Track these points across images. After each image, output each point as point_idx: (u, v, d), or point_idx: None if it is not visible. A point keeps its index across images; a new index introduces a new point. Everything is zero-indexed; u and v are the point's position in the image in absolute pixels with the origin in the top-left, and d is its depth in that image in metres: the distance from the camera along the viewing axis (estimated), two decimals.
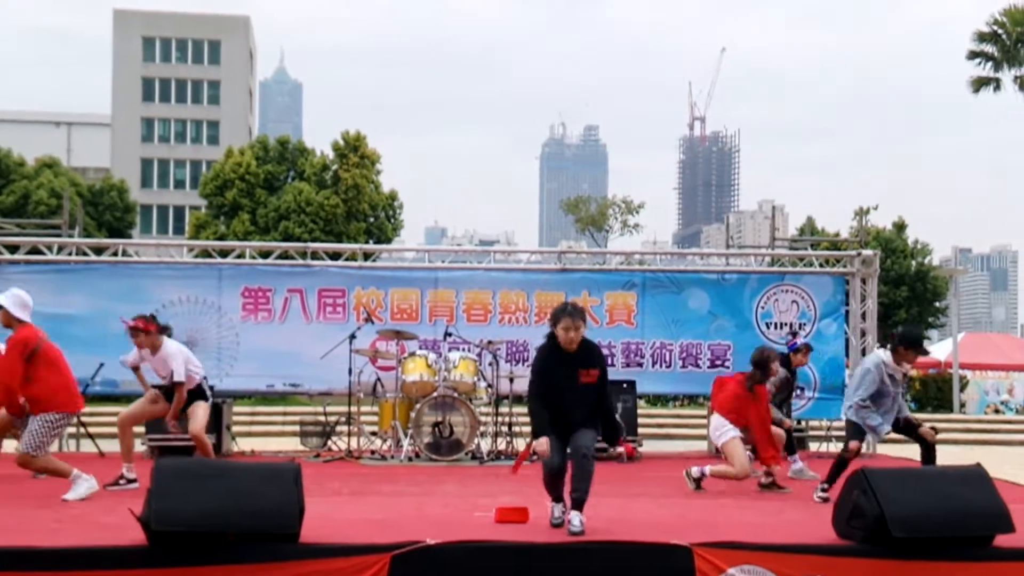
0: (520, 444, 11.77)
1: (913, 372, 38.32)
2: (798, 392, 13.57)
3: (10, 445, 13.54)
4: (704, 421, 14.32)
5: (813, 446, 14.87)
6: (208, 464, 6.85)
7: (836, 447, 14.16)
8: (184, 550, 5.64)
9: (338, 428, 13.96)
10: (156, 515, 5.64)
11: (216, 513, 5.69)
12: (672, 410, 25.97)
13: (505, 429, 13.05)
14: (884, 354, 9.01)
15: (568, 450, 6.94)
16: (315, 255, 14.69)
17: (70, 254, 14.27)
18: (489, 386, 12.92)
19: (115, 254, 14.56)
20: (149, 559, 5.68)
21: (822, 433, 15.16)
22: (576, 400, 6.97)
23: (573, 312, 7.05)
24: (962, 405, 34.42)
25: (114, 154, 73.36)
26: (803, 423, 14.95)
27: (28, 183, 41.03)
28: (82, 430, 13.91)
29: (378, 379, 13.46)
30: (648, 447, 14.41)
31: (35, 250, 14.23)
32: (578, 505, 6.78)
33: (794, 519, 7.72)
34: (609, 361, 14.25)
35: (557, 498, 7.11)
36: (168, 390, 9.59)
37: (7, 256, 14.06)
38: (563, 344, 7.04)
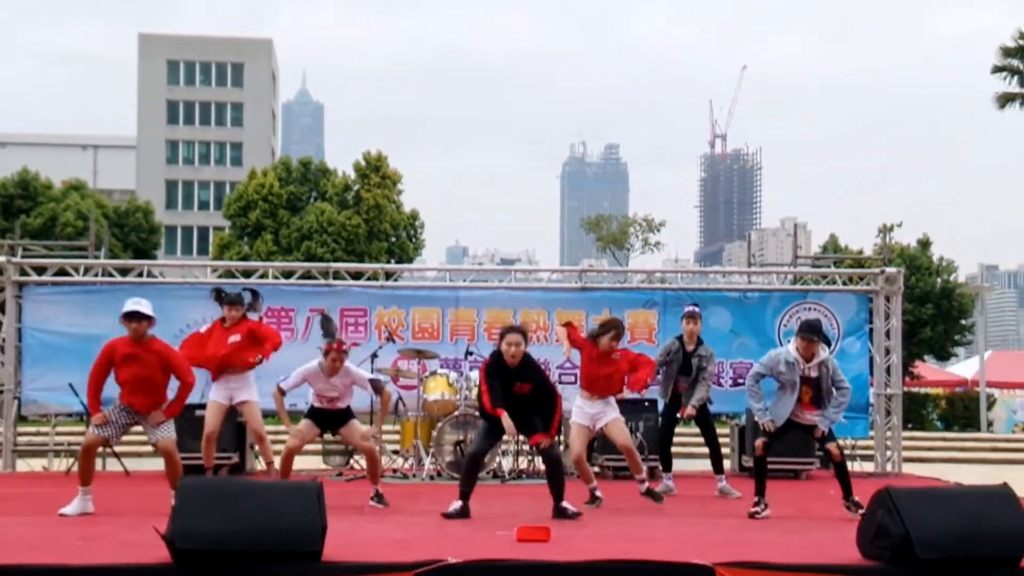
0: (539, 462, 11.78)
1: (940, 391, 38.11)
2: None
3: (26, 464, 13.66)
4: (726, 440, 14.26)
5: None
6: (232, 483, 6.89)
7: (860, 466, 14.08)
8: (208, 568, 5.67)
9: None
10: (180, 533, 5.68)
11: (240, 531, 5.72)
12: (694, 428, 25.76)
13: (526, 448, 13.04)
14: (791, 344, 9.14)
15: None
16: (337, 275, 14.75)
17: (96, 275, 14.40)
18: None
19: (140, 275, 14.68)
20: None
21: (847, 452, 15.04)
22: (513, 406, 8.65)
23: (517, 330, 8.86)
24: (989, 424, 34.15)
25: (139, 176, 73.96)
26: None
27: (55, 205, 41.40)
28: (107, 449, 13.98)
29: (400, 398, 13.48)
30: None
31: (62, 271, 14.36)
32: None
33: (818, 539, 7.67)
34: None
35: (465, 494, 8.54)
36: (327, 413, 9.69)
37: (35, 277, 14.20)
38: (506, 358, 8.63)
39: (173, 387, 8.86)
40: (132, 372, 8.61)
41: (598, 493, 9.72)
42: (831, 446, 9.12)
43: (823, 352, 9.16)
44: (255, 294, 11.04)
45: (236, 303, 10.70)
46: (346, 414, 9.75)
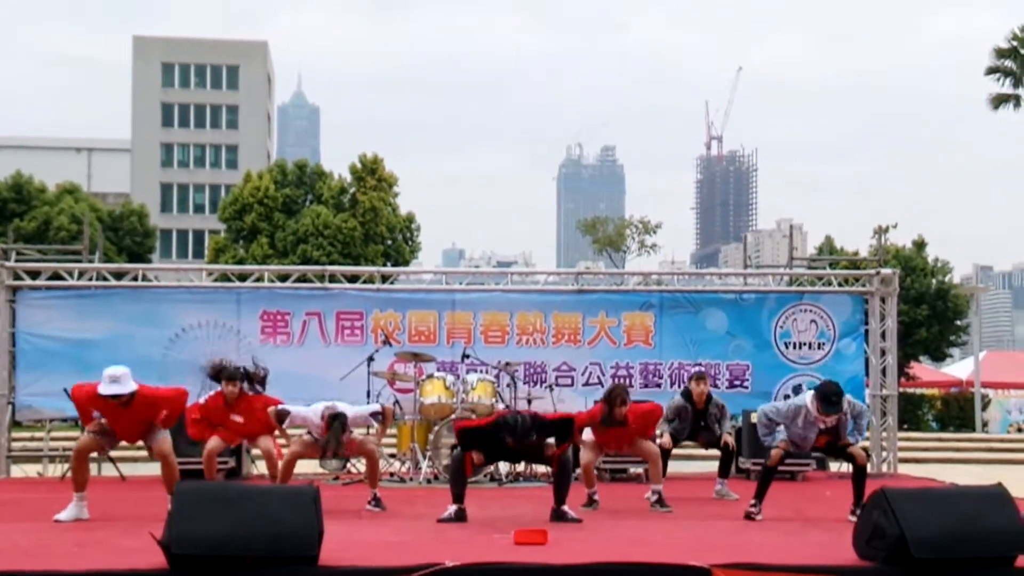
0: (539, 467, 11.79)
1: (935, 391, 38.16)
2: None
3: (21, 470, 13.63)
4: None
5: (833, 466, 14.78)
6: (228, 488, 6.88)
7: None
8: (204, 573, 5.66)
9: None
10: (176, 538, 5.67)
11: (236, 536, 5.72)
12: None
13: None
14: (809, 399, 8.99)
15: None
16: (333, 278, 14.75)
17: (91, 279, 14.37)
18: (508, 408, 12.92)
19: (135, 279, 14.66)
20: None
21: None
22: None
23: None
24: (984, 424, 34.19)
25: (134, 179, 73.82)
26: None
27: (49, 209, 41.31)
28: (102, 453, 13.96)
29: (396, 401, 13.47)
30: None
31: (56, 275, 14.34)
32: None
33: (815, 540, 7.68)
34: (627, 382, 14.26)
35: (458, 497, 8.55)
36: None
37: (29, 282, 14.18)
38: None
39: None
40: (118, 426, 8.72)
41: (596, 497, 9.79)
42: (855, 450, 9.04)
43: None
44: (249, 378, 10.24)
45: (234, 378, 10.05)
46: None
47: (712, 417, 11.21)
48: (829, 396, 8.71)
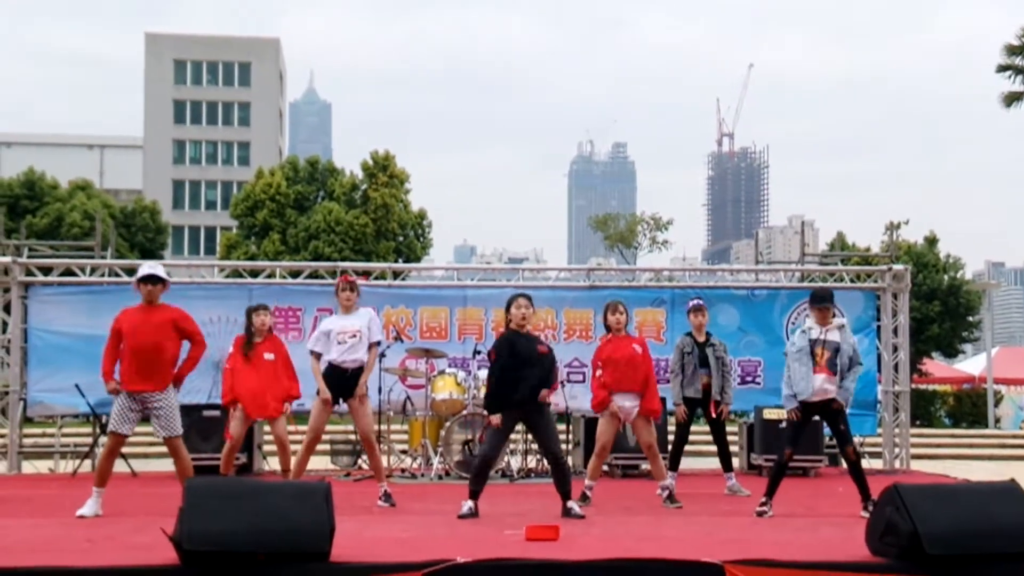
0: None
1: (947, 388, 38.02)
2: None
3: (32, 466, 13.69)
4: (735, 438, 14.25)
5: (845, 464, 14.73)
6: (239, 483, 6.88)
7: (868, 463, 14.02)
8: (216, 569, 5.66)
9: None
10: (188, 534, 5.67)
11: (247, 532, 5.72)
12: (702, 426, 25.72)
13: (535, 447, 13.03)
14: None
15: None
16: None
17: (103, 275, 14.41)
18: None
19: None
20: None
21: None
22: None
23: (521, 295, 9.07)
24: (997, 420, 34.04)
25: (146, 176, 74.04)
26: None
27: (62, 206, 41.45)
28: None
29: (408, 397, 13.48)
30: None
31: (68, 272, 14.38)
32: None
33: (827, 536, 7.65)
34: None
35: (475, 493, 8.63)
36: (341, 374, 9.56)
37: (41, 278, 14.22)
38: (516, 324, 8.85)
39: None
40: (139, 340, 8.58)
41: (589, 493, 9.79)
42: (848, 449, 8.96)
43: (839, 317, 9.16)
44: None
45: (266, 308, 10.72)
46: (359, 377, 9.58)
47: (715, 353, 11.15)
48: (819, 291, 9.25)
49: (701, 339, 11.25)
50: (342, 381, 9.58)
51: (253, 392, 10.12)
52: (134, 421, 8.73)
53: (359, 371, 9.60)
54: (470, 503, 8.65)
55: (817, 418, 9.32)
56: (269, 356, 10.29)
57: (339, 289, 9.84)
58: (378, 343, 9.89)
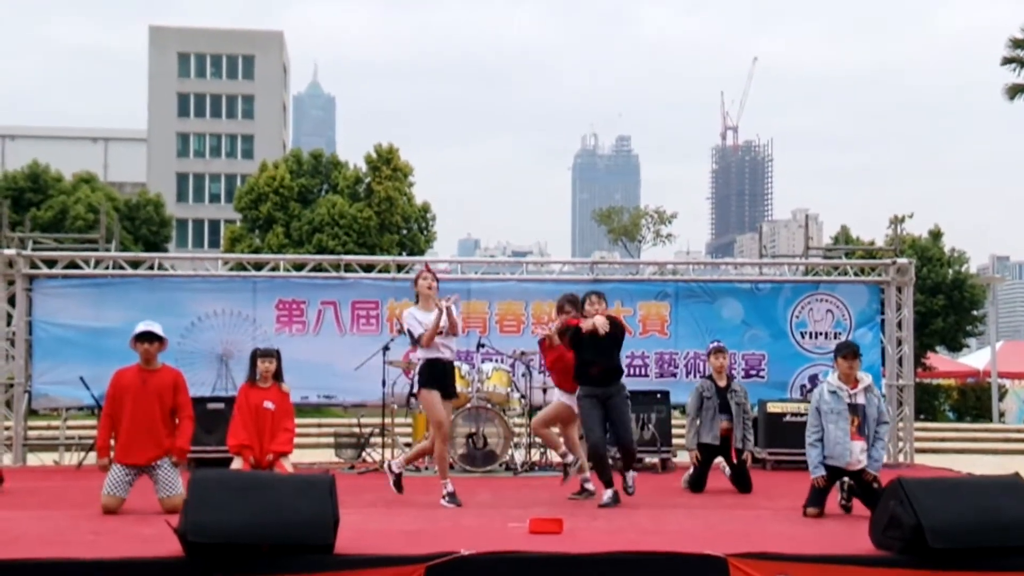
0: (553, 456, 11.75)
1: (952, 381, 38.00)
2: None
3: (37, 458, 13.68)
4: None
5: None
6: (244, 476, 6.90)
7: None
8: (220, 561, 5.68)
9: (372, 440, 13.99)
10: (192, 527, 5.69)
11: (252, 524, 5.73)
12: None
13: (539, 440, 13.03)
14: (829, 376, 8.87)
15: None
16: (348, 267, 14.76)
17: (107, 268, 14.42)
18: (523, 397, 12.92)
19: (151, 268, 14.71)
20: (185, 570, 5.72)
21: None
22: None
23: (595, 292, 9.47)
24: (1001, 414, 34.06)
25: (150, 169, 74.06)
26: None
27: (66, 198, 41.44)
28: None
29: (412, 392, 13.47)
30: (682, 457, 14.31)
31: (73, 264, 14.39)
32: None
33: (830, 529, 7.66)
34: (643, 371, 14.25)
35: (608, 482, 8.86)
36: (439, 367, 9.06)
37: (45, 271, 14.23)
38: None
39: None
40: (132, 410, 8.38)
41: (588, 487, 9.63)
42: (876, 487, 8.38)
43: (866, 378, 8.75)
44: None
45: (270, 354, 10.09)
46: (453, 372, 9.29)
47: (735, 399, 10.64)
48: (847, 344, 8.95)
49: (722, 383, 10.72)
50: (441, 371, 9.16)
51: (248, 443, 9.80)
52: (130, 484, 8.54)
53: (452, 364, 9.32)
54: (609, 491, 8.95)
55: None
56: (269, 405, 9.86)
57: (419, 279, 9.25)
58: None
